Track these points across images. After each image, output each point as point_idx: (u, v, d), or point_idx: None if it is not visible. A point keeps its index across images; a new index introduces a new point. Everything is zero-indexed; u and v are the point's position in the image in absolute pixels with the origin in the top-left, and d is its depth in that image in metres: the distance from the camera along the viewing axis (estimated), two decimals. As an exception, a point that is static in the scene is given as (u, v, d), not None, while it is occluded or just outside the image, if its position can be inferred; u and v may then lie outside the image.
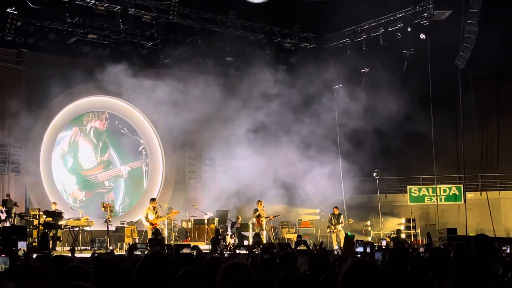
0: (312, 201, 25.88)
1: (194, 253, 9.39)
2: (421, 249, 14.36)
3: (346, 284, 3.61)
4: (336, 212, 23.04)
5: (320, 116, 24.93)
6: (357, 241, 15.16)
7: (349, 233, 18.39)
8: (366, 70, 24.99)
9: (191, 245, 16.51)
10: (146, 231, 21.00)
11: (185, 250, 10.32)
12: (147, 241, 18.18)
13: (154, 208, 20.70)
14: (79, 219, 20.76)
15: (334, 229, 22.72)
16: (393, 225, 24.37)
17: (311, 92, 24.41)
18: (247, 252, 14.33)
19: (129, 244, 20.37)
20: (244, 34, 23.81)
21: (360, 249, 13.69)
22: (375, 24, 23.54)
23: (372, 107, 24.89)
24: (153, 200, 21.20)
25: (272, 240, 21.88)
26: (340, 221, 22.80)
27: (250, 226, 22.18)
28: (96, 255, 10.86)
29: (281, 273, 7.42)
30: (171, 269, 4.46)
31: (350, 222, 23.30)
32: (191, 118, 24.99)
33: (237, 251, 15.16)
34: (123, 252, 19.44)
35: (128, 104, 24.89)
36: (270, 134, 24.40)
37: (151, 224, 20.44)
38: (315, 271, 7.51)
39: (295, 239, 22.24)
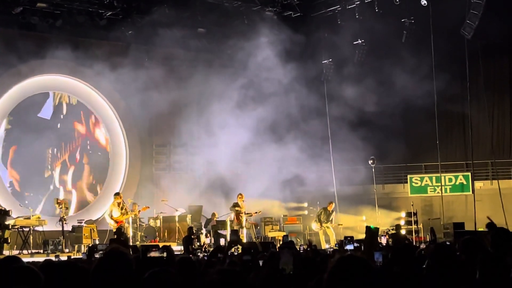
0: (299, 193, 25.97)
1: (165, 255, 9.32)
2: (422, 246, 14.46)
3: (332, 284, 3.61)
4: (330, 208, 23.14)
5: (306, 95, 24.95)
6: (346, 237, 15.26)
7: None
8: (359, 42, 25.00)
9: (160, 246, 16.52)
10: (110, 231, 20.94)
11: (154, 254, 10.22)
12: (109, 243, 18.11)
13: (119, 203, 20.63)
14: (29, 218, 20.60)
15: (321, 227, 22.84)
16: (391, 219, 24.53)
17: (296, 68, 24.39)
18: (223, 252, 14.32)
19: (88, 246, 20.31)
20: (218, 1, 23.72)
21: (350, 247, 13.73)
22: (369, -12, 23.56)
23: (366, 84, 24.93)
24: (117, 194, 21.16)
25: (254, 239, 21.92)
26: (331, 219, 22.93)
27: (228, 223, 22.19)
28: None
29: (263, 274, 7.43)
30: (132, 267, 4.45)
31: (340, 226, 23.45)
32: (158, 99, 24.87)
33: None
34: (80, 256, 19.36)
35: (84, 83, 24.73)
36: (250, 117, 24.35)
37: (116, 221, 20.37)
38: (302, 272, 7.52)
39: (280, 238, 22.38)
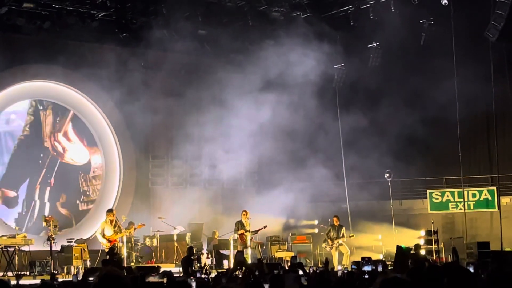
0: (308, 209, 25.92)
1: (165, 281, 9.36)
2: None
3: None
4: (337, 223, 23.10)
5: (317, 102, 24.94)
6: (363, 258, 15.25)
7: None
8: (374, 45, 25.04)
9: (158, 268, 16.53)
10: (102, 251, 20.94)
11: (153, 279, 10.26)
12: (101, 264, 18.12)
13: (112, 221, 20.64)
14: (14, 237, 20.60)
15: (332, 244, 22.77)
16: (410, 238, 24.44)
17: (306, 73, 24.39)
18: (226, 274, 14.31)
19: (77, 267, 20.32)
20: (220, 1, 23.76)
21: (368, 268, 13.74)
22: (385, -14, 23.60)
23: (382, 90, 24.93)
24: (110, 211, 21.17)
25: (259, 260, 21.86)
26: (341, 234, 22.86)
27: (231, 242, 22.16)
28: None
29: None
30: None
31: (351, 237, 23.33)
32: (155, 108, 24.94)
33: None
34: (70, 278, 19.36)
35: (74, 90, 24.76)
36: (255, 127, 24.40)
37: (109, 241, 20.38)
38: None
39: (288, 258, 22.34)
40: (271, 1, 24.48)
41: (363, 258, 15.13)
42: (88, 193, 25.28)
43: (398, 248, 18.00)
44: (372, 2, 23.90)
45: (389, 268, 16.21)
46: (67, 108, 24.99)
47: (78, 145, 25.29)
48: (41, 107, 24.63)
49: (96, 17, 23.32)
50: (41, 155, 24.46)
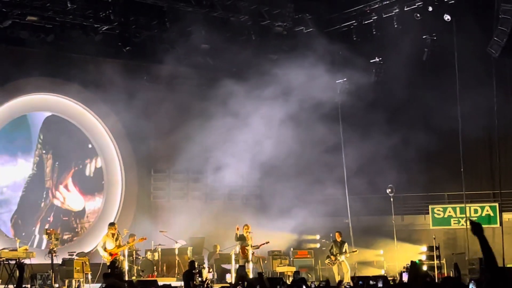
0: (310, 224, 25.91)
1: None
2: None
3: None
4: (339, 239, 23.07)
5: (319, 117, 24.98)
6: (375, 278, 15.24)
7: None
8: (377, 60, 25.10)
9: (158, 283, 16.54)
10: (103, 264, 20.92)
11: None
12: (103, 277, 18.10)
13: (113, 234, 20.62)
14: (16, 250, 20.59)
15: (335, 260, 22.74)
16: (411, 254, 24.40)
17: (308, 88, 24.45)
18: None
19: (78, 281, 20.31)
20: (223, 15, 23.84)
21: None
22: (387, 2, 23.65)
23: (384, 106, 24.97)
24: (112, 224, 21.14)
25: (261, 275, 21.82)
26: (344, 250, 22.83)
27: (233, 256, 22.15)
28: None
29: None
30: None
31: (354, 252, 23.31)
32: (157, 121, 25.00)
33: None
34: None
35: (77, 103, 24.82)
36: (257, 142, 24.43)
37: (110, 254, 20.37)
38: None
39: (289, 273, 22.34)
40: (274, 16, 24.57)
41: (374, 277, 15.10)
42: (76, 230, 25.39)
43: (413, 263, 17.96)
44: (375, 17, 23.98)
45: (391, 283, 16.19)
46: (67, 159, 25.25)
47: (76, 194, 25.40)
48: (44, 151, 24.74)
49: (99, 30, 23.38)
50: (43, 195, 24.63)
